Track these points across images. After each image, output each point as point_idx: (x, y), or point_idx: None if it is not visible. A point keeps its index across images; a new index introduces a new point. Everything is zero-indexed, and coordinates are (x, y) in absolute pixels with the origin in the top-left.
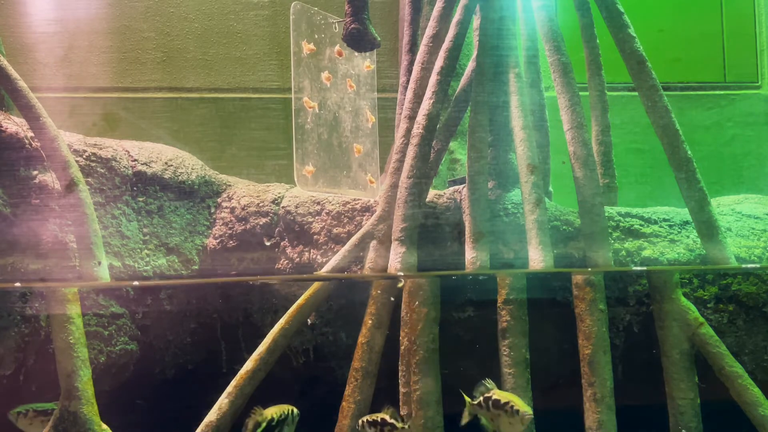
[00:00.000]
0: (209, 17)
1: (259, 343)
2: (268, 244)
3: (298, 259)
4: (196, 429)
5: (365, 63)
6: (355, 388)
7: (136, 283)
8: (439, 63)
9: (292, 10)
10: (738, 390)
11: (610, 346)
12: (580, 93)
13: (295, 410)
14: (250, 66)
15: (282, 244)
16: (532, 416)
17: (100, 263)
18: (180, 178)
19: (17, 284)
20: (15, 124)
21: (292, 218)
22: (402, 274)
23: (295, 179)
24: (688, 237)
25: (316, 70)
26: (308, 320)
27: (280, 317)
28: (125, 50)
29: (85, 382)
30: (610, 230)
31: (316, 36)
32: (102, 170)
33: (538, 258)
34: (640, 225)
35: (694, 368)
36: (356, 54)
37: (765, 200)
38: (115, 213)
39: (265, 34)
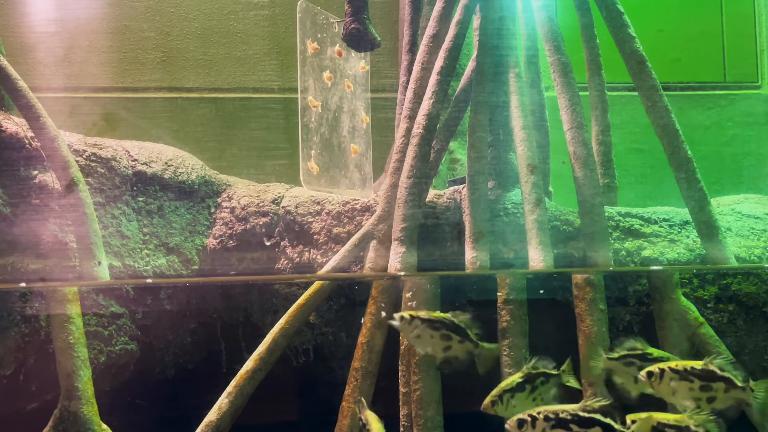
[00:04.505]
0: (209, 17)
1: (259, 342)
2: (268, 244)
3: (298, 259)
4: (196, 429)
5: (360, 64)
6: (355, 388)
7: (137, 281)
8: (439, 63)
9: (298, 8)
10: None
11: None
12: (580, 93)
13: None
14: (250, 66)
15: (282, 244)
16: None
17: (100, 263)
18: (180, 178)
19: (22, 284)
20: (15, 124)
21: (292, 218)
22: (402, 273)
23: (301, 178)
24: (688, 237)
25: (319, 70)
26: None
27: (280, 317)
28: (125, 50)
29: (85, 382)
30: (610, 230)
31: (319, 35)
32: (102, 170)
33: (538, 258)
34: (640, 225)
35: None
36: (353, 54)
37: (765, 200)
38: (115, 213)
39: (265, 34)
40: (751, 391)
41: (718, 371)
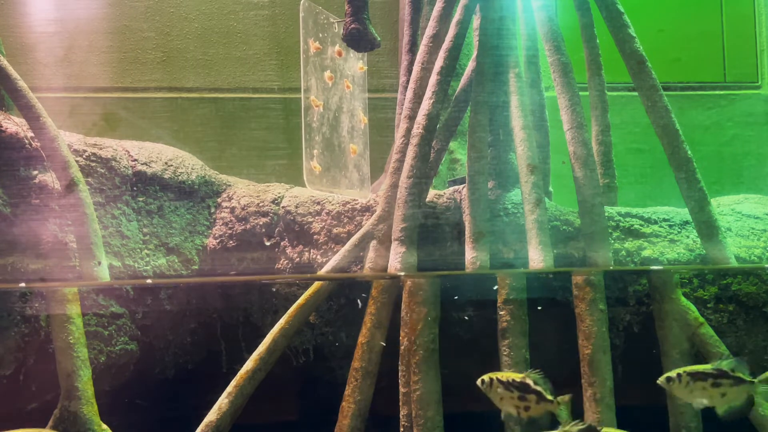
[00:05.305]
0: (209, 17)
1: (259, 342)
2: (268, 244)
3: (298, 259)
4: (196, 429)
5: (359, 64)
6: (355, 388)
7: (137, 281)
8: (439, 63)
9: (301, 8)
10: None
11: (610, 346)
12: (580, 93)
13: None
14: (250, 66)
15: (282, 244)
16: None
17: (100, 263)
18: (180, 178)
19: (22, 284)
20: (15, 124)
21: (292, 218)
22: (402, 274)
23: (305, 178)
24: (688, 237)
25: (321, 70)
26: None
27: (280, 317)
28: (125, 50)
29: (85, 382)
30: (610, 230)
31: (321, 35)
32: (102, 170)
33: (538, 258)
34: (640, 225)
35: None
36: (351, 54)
37: (765, 200)
38: (115, 213)
39: (265, 34)
40: (558, 405)
41: (531, 384)
